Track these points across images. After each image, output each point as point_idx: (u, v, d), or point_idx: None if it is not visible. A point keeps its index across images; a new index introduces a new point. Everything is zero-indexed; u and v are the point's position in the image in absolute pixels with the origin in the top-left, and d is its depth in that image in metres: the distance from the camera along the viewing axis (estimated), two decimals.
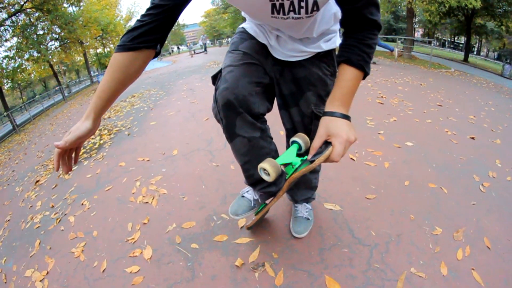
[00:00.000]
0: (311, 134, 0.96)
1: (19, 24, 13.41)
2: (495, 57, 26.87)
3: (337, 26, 0.88)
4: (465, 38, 18.41)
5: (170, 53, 25.20)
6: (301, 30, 0.80)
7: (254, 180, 0.99)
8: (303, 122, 0.99)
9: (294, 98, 0.97)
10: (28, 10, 13.56)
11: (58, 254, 1.63)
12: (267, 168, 0.72)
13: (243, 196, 1.11)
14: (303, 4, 0.67)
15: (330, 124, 0.68)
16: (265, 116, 0.97)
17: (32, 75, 15.48)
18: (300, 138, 0.80)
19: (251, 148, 0.91)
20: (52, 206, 2.25)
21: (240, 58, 0.89)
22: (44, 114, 13.43)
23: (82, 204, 2.05)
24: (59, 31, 15.33)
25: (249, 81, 0.85)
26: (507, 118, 3.91)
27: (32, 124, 11.92)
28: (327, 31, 0.88)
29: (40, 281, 1.46)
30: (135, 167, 2.38)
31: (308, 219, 1.31)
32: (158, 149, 2.66)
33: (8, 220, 2.49)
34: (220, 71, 0.90)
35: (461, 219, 1.49)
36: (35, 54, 13.47)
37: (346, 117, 0.69)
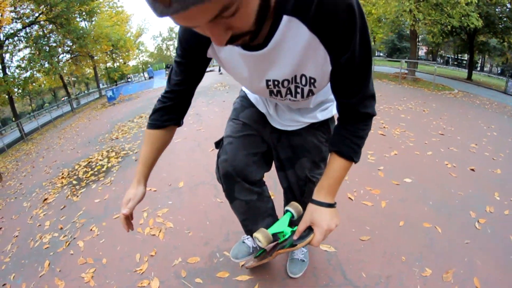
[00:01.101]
0: (304, 194, 1.04)
1: (33, 35, 13.95)
2: (499, 72, 26.95)
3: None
4: (468, 56, 18.60)
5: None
6: (298, 105, 0.88)
7: (251, 233, 1.08)
8: (298, 183, 1.05)
9: (290, 162, 1.03)
10: (42, 22, 14.13)
11: (68, 277, 1.68)
12: (260, 238, 0.84)
13: (243, 242, 1.21)
14: (299, 90, 0.71)
15: (315, 213, 0.74)
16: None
17: (43, 85, 15.99)
18: (293, 207, 0.91)
19: (248, 209, 1.02)
20: (61, 228, 2.32)
21: (239, 129, 0.98)
22: (52, 125, 13.71)
23: (91, 229, 2.13)
24: (71, 44, 15.91)
25: (246, 154, 0.95)
26: (509, 143, 3.91)
27: (40, 134, 12.19)
28: (325, 101, 0.94)
29: None
30: None
31: (304, 261, 1.36)
32: (164, 179, 2.71)
33: (16, 236, 2.56)
34: (222, 139, 1.01)
35: (453, 259, 1.52)
36: (46, 65, 13.89)
37: (331, 205, 0.75)
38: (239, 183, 0.96)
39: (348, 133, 0.72)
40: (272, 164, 1.10)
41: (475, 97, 9.47)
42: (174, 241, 1.77)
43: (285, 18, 0.56)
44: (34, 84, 14.20)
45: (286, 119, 0.96)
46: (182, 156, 3.32)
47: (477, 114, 6.05)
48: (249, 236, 1.18)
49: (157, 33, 47.51)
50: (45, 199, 3.20)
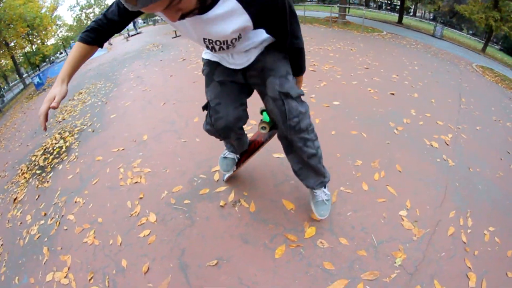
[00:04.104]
0: (287, 114, 1.08)
1: None
2: (431, 18, 29.13)
3: None
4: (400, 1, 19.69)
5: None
6: (242, 49, 1.06)
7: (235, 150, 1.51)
8: (277, 105, 1.09)
9: (263, 89, 1.13)
10: None
11: (72, 249, 1.76)
12: (265, 126, 1.29)
13: (225, 157, 1.57)
14: (230, 45, 0.96)
15: None
16: None
17: None
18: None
19: (239, 143, 1.44)
20: (45, 214, 2.31)
21: (220, 90, 1.17)
22: None
23: (76, 201, 2.20)
24: None
25: (234, 107, 1.17)
26: (428, 75, 4.48)
27: None
28: (263, 40, 1.08)
29: (65, 277, 1.59)
30: (113, 158, 2.54)
31: (328, 200, 1.43)
32: (128, 138, 2.84)
33: (1, 245, 2.42)
34: (208, 103, 1.21)
35: (377, 154, 2.00)
36: None
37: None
38: (234, 131, 1.24)
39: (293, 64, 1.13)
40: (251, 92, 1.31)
41: (402, 38, 10.17)
42: (156, 181, 2.02)
43: None
44: None
45: (240, 60, 1.12)
46: (137, 115, 3.41)
47: (402, 53, 6.62)
48: (228, 151, 1.57)
49: (74, 2, 41.29)
50: (15, 199, 2.97)
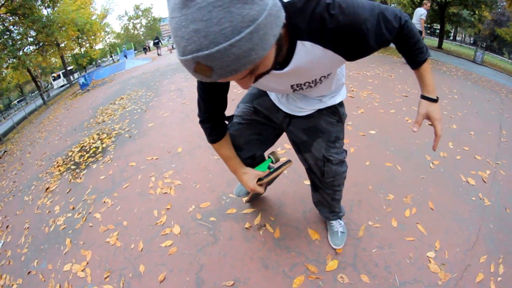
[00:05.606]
0: (325, 174, 1.14)
1: None
2: (471, 42, 27.87)
3: (344, 79, 1.03)
4: (440, 25, 19.13)
5: (145, 52, 24.48)
6: (316, 90, 0.96)
7: None
8: (317, 164, 1.13)
9: (307, 145, 1.12)
10: (2, 14, 13.04)
11: (94, 246, 1.82)
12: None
13: None
14: (318, 83, 0.86)
15: (430, 107, 0.94)
16: None
17: (9, 80, 15.05)
18: (273, 155, 1.21)
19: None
20: (73, 208, 2.41)
21: (250, 114, 1.14)
22: (27, 121, 12.93)
23: (104, 202, 2.27)
24: (35, 34, 14.92)
25: (251, 133, 1.15)
26: (468, 105, 4.21)
27: (17, 133, 11.41)
28: (337, 88, 1.03)
29: (82, 270, 1.66)
30: (146, 166, 2.65)
31: (343, 232, 1.50)
32: (163, 148, 2.93)
33: (27, 228, 2.56)
34: (233, 116, 1.18)
35: (410, 188, 1.90)
36: (12, 60, 13.08)
37: (436, 100, 0.94)
38: (240, 156, 1.18)
39: (410, 52, 0.89)
40: (275, 141, 1.31)
41: (442, 64, 9.64)
42: (185, 194, 2.06)
43: (299, 43, 0.67)
44: (2, 82, 13.41)
45: (295, 106, 1.07)
46: (174, 127, 3.51)
47: (442, 80, 6.23)
48: None
49: (123, 12, 45.01)
50: (47, 188, 3.17)
